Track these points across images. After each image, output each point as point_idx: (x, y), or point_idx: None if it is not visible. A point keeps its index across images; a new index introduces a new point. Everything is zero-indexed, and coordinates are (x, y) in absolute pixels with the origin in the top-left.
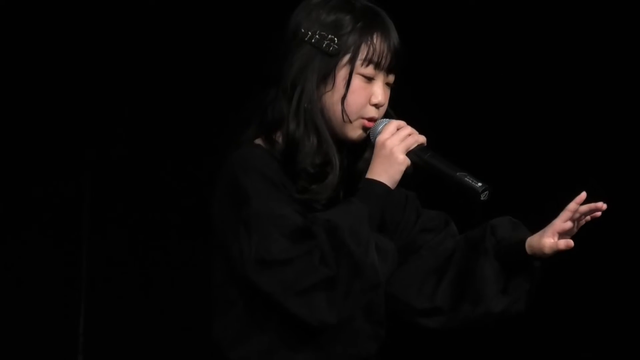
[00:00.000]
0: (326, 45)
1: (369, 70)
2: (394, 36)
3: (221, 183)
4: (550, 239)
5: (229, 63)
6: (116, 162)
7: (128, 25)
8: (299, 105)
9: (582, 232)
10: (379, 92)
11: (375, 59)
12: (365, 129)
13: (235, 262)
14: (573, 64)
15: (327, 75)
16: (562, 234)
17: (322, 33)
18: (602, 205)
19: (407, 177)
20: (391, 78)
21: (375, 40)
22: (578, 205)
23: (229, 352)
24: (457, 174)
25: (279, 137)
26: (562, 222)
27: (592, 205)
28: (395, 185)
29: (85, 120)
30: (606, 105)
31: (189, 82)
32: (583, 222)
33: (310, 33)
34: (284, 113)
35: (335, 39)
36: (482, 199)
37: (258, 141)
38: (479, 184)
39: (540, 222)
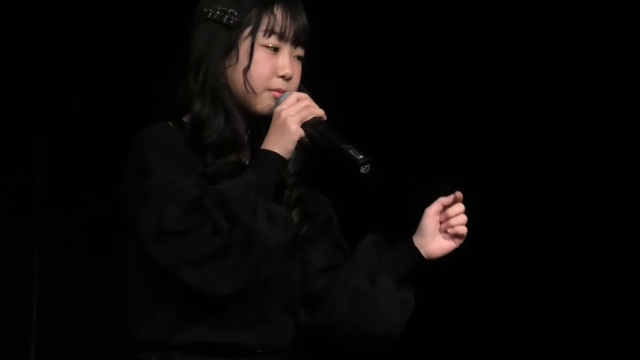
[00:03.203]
0: (227, 19)
1: (272, 40)
2: (298, 10)
3: (128, 161)
4: (448, 241)
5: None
6: (66, 150)
7: (74, 14)
8: (205, 83)
9: (582, 233)
10: (286, 63)
11: (277, 29)
12: (274, 100)
13: (139, 236)
14: (571, 63)
15: (230, 49)
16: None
17: (223, 8)
18: (458, 195)
19: (306, 152)
20: (300, 51)
21: (276, 11)
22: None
23: (136, 333)
24: (343, 145)
25: (187, 118)
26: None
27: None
28: (288, 155)
29: (34, 109)
30: (604, 106)
31: (139, 70)
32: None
33: (211, 10)
34: (191, 92)
35: (236, 12)
36: (362, 171)
37: (169, 122)
38: (360, 157)
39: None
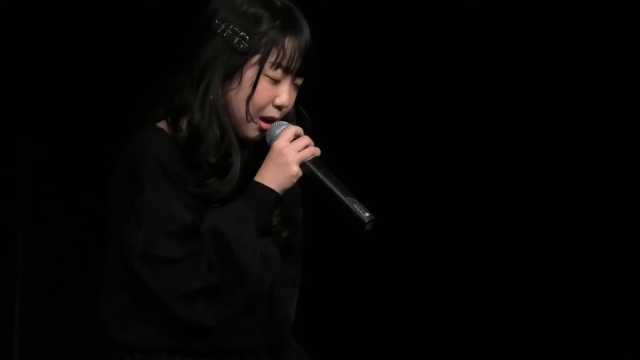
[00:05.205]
0: (237, 42)
1: (277, 73)
2: (307, 39)
3: (120, 164)
4: None
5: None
6: (51, 148)
7: (59, 14)
8: (205, 96)
9: (581, 232)
10: (285, 94)
11: (284, 63)
12: (262, 130)
13: (124, 247)
14: (571, 63)
15: (234, 72)
16: None
17: (235, 29)
18: None
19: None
20: (299, 80)
21: (287, 45)
22: None
23: (115, 334)
24: (347, 198)
25: (184, 124)
26: None
27: None
28: (283, 192)
29: (18, 109)
30: (604, 106)
31: (123, 70)
32: None
33: (223, 26)
34: (190, 102)
35: (247, 37)
36: (366, 229)
37: (161, 124)
38: (366, 214)
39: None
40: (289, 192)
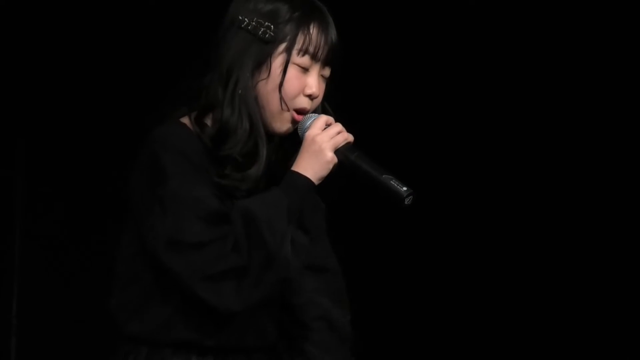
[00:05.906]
0: (262, 32)
1: (305, 60)
2: (332, 29)
3: (141, 157)
4: None
5: (162, 48)
6: (49, 147)
7: (58, 15)
8: (235, 91)
9: (581, 233)
10: (314, 83)
11: (311, 49)
12: (294, 122)
13: (146, 238)
14: (571, 63)
15: (262, 63)
16: None
17: (259, 20)
18: None
19: (331, 176)
20: (327, 71)
21: (312, 31)
22: None
23: (125, 325)
24: (383, 176)
25: (209, 121)
26: None
27: None
28: (319, 182)
29: (16, 109)
30: (604, 106)
31: (121, 70)
32: None
33: (247, 20)
34: (219, 98)
35: (272, 26)
36: (406, 203)
37: (184, 120)
38: (404, 189)
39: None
40: (324, 180)
